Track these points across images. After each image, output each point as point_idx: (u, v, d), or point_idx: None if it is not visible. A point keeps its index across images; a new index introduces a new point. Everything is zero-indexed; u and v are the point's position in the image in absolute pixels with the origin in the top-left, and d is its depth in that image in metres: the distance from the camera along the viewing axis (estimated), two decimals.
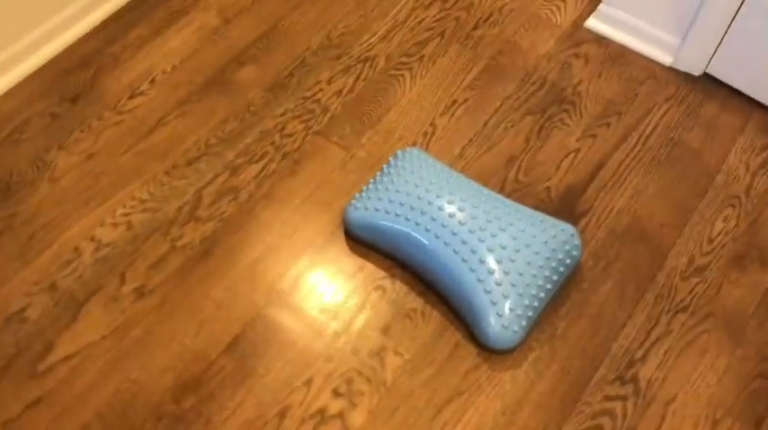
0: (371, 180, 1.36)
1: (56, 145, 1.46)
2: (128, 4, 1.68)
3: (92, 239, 1.34)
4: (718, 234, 1.37)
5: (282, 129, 1.49)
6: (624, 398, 1.20)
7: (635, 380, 1.21)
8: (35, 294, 1.27)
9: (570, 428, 1.16)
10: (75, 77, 1.56)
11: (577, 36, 1.65)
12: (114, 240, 1.34)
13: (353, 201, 1.33)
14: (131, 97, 1.53)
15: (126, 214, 1.37)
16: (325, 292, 1.29)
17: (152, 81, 1.55)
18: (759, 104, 1.54)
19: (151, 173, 1.42)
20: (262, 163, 1.44)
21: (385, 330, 1.25)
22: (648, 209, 1.40)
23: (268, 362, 1.22)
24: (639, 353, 1.24)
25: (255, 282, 1.30)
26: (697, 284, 1.31)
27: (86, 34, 1.63)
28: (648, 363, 1.23)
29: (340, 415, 1.17)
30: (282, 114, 1.51)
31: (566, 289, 1.29)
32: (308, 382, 1.21)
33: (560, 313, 1.27)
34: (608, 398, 1.20)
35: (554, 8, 1.70)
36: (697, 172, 1.45)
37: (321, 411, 1.18)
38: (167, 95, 1.53)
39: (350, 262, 1.33)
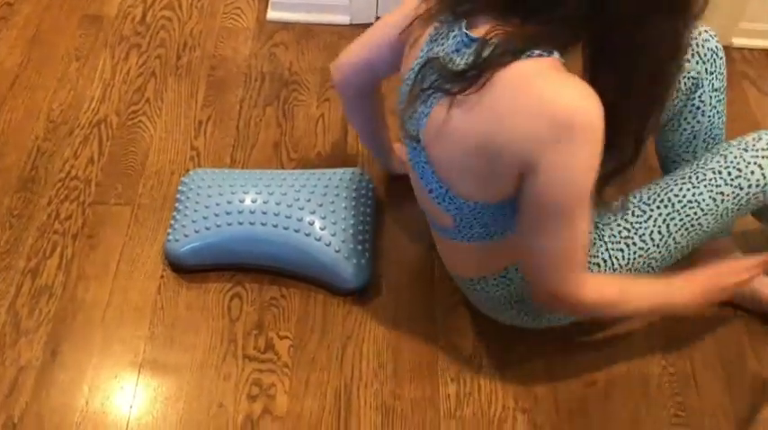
0: (173, 214, 1.42)
1: None
2: None
3: None
4: None
5: (57, 215, 1.47)
6: None
7: None
8: None
9: (441, 311, 1.38)
10: None
11: (267, 30, 1.85)
12: None
13: (169, 238, 1.39)
14: None
15: None
16: (188, 330, 1.33)
17: None
18: None
19: None
20: (57, 253, 1.42)
21: (260, 326, 1.34)
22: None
23: (170, 407, 1.24)
24: None
25: (117, 358, 1.30)
26: None
27: None
28: None
29: (265, 411, 1.25)
30: (49, 204, 1.49)
31: (378, 219, 1.49)
32: (221, 404, 1.26)
33: (386, 239, 1.47)
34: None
35: (235, 16, 1.88)
36: None
37: (248, 418, 1.24)
38: None
39: (194, 293, 1.38)
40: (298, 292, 1.39)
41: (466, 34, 0.99)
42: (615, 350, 1.35)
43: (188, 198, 1.41)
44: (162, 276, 1.40)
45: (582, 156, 0.95)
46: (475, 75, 0.95)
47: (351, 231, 1.36)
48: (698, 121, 1.29)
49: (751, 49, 1.89)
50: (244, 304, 1.37)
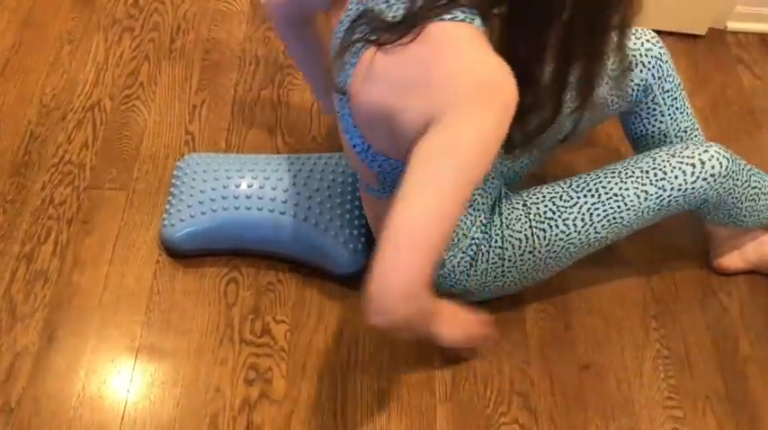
0: (168, 198, 1.42)
1: None
2: None
3: None
4: None
5: (51, 200, 1.47)
6: None
7: None
8: None
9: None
10: None
11: (261, 13, 1.83)
12: None
13: (164, 222, 1.38)
14: None
15: None
16: (185, 315, 1.34)
17: None
18: None
19: None
20: (51, 238, 1.41)
21: (257, 311, 1.35)
22: None
23: (167, 392, 1.24)
24: None
25: (114, 343, 1.30)
26: None
27: None
28: None
29: (263, 395, 1.26)
30: (43, 188, 1.48)
31: None
32: (218, 389, 1.26)
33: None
34: None
35: None
36: None
37: (245, 402, 1.25)
38: None
39: (190, 278, 1.38)
40: (294, 277, 1.39)
41: None
42: (610, 333, 1.36)
43: (183, 183, 1.41)
44: (158, 261, 1.40)
45: (483, 128, 0.93)
46: (406, 27, 0.96)
47: (347, 216, 1.36)
48: (660, 122, 1.36)
49: (746, 33, 1.89)
50: (240, 289, 1.37)
